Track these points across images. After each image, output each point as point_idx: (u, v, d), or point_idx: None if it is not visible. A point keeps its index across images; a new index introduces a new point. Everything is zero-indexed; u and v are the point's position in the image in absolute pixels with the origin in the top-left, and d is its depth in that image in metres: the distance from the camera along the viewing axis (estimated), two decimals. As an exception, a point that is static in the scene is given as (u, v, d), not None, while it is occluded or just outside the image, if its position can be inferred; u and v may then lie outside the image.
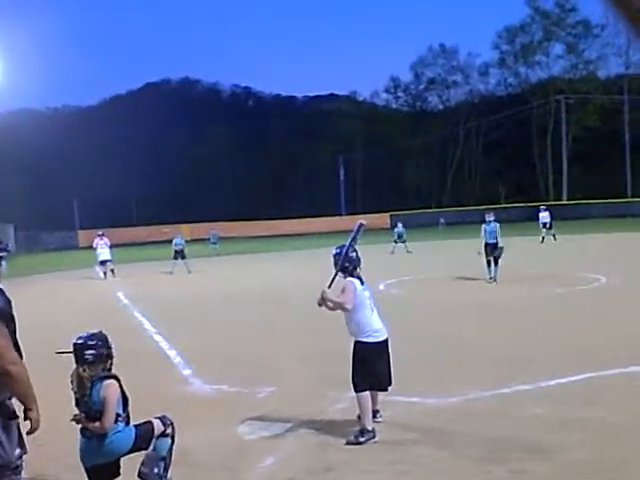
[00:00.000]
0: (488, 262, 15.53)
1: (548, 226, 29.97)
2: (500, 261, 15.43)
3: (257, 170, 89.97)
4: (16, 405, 3.20)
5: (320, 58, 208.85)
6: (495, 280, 15.21)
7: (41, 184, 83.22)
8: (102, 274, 23.63)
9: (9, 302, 3.02)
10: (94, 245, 24.39)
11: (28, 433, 3.11)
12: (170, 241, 25.03)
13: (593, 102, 68.66)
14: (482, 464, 4.63)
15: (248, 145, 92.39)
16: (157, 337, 10.12)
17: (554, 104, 70.43)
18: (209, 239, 37.23)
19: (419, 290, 12.85)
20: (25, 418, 3.08)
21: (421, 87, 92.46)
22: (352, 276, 5.47)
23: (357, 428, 5.26)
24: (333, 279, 5.38)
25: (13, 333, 3.10)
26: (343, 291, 5.37)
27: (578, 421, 5.38)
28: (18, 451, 2.99)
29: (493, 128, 76.71)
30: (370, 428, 5.22)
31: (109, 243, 24.24)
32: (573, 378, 6.64)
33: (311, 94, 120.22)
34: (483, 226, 15.95)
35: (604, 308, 11.23)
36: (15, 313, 3.21)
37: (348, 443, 5.14)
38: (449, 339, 9.22)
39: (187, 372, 7.63)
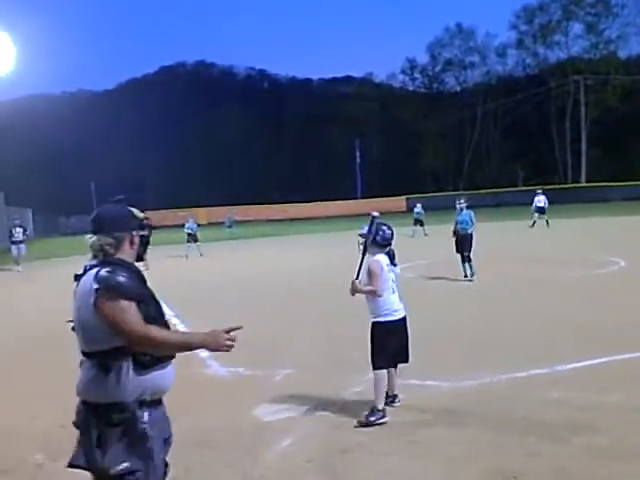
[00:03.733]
0: (462, 258, 13.43)
1: (541, 210, 28.70)
2: (472, 255, 13.31)
3: (272, 153, 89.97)
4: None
5: (336, 40, 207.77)
6: (472, 278, 13.06)
7: (58, 168, 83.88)
8: None
9: (125, 280, 2.66)
10: None
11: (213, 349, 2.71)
12: (184, 225, 25.13)
13: (613, 83, 67.61)
14: (497, 447, 4.64)
15: (263, 128, 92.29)
16: (173, 320, 10.21)
17: (573, 85, 69.46)
18: (224, 222, 37.34)
19: (435, 274, 12.81)
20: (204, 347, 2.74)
21: (438, 68, 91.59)
22: (382, 252, 5.47)
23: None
24: (361, 264, 5.29)
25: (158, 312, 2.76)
26: (369, 274, 5.37)
27: (595, 405, 5.37)
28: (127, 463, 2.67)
29: (511, 110, 75.85)
30: (381, 407, 5.25)
31: None
32: (591, 362, 6.60)
33: (327, 76, 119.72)
34: (457, 217, 13.85)
35: (622, 292, 11.13)
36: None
37: (359, 424, 5.18)
38: (464, 323, 9.21)
39: (204, 354, 7.70)
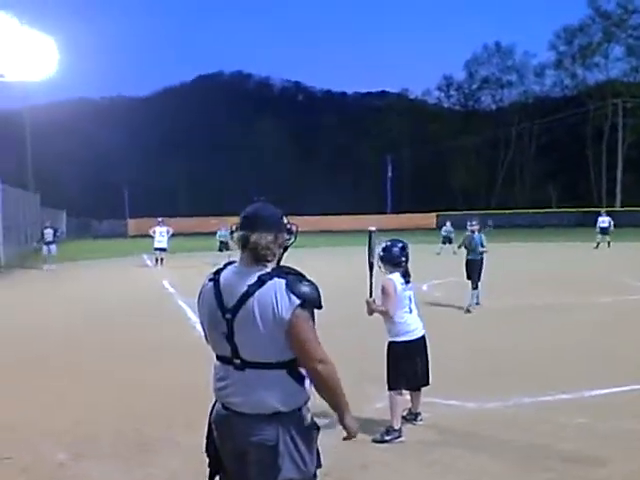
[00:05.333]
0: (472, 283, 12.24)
1: (605, 231, 29.10)
2: (480, 284, 12.23)
3: (305, 165, 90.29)
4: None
5: (372, 55, 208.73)
6: (470, 310, 11.80)
7: (94, 172, 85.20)
8: (154, 260, 24.02)
9: (318, 292, 2.56)
10: (151, 232, 24.70)
11: (345, 439, 2.76)
12: (216, 233, 25.27)
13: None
14: (518, 471, 4.56)
15: (297, 140, 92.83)
16: (200, 327, 10.25)
17: (611, 108, 68.56)
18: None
19: (462, 293, 12.67)
20: (342, 426, 2.71)
21: (474, 86, 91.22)
22: (396, 271, 5.41)
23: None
24: (371, 282, 5.02)
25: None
26: (383, 292, 5.31)
27: (622, 433, 5.24)
28: (316, 464, 2.65)
29: (546, 130, 75.19)
30: (397, 427, 5.21)
31: (171, 231, 24.62)
32: (618, 389, 6.47)
33: (362, 91, 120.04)
34: (468, 240, 12.65)
35: (654, 319, 10.89)
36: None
37: (374, 441, 5.14)
38: (491, 344, 9.09)
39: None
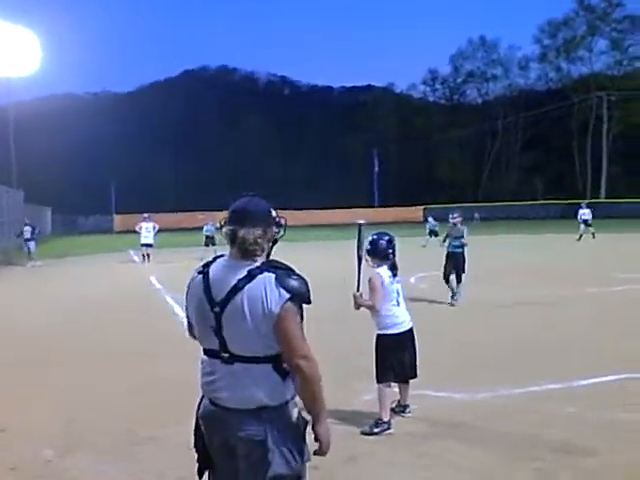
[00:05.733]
0: (447, 279, 12.04)
1: (588, 223, 29.33)
2: (464, 276, 12.05)
3: (291, 159, 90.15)
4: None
5: (358, 49, 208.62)
6: (454, 302, 11.70)
7: (79, 168, 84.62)
8: (141, 256, 23.90)
9: (307, 287, 2.53)
10: (137, 228, 24.54)
11: (315, 453, 2.62)
12: (202, 227, 25.20)
13: (636, 100, 67.03)
14: (508, 461, 4.57)
15: (283, 134, 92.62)
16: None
17: (596, 100, 68.98)
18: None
19: (448, 286, 12.71)
20: (313, 434, 2.60)
21: (459, 80, 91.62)
22: (383, 264, 5.40)
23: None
24: (359, 275, 5.07)
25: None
26: (370, 286, 5.30)
27: (611, 423, 5.26)
28: (305, 458, 2.59)
29: (532, 123, 75.62)
30: (386, 419, 5.20)
31: (157, 227, 24.48)
32: (607, 378, 6.49)
33: (348, 85, 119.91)
34: (449, 232, 12.68)
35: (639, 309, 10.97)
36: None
37: (363, 433, 5.15)
38: (478, 335, 9.11)
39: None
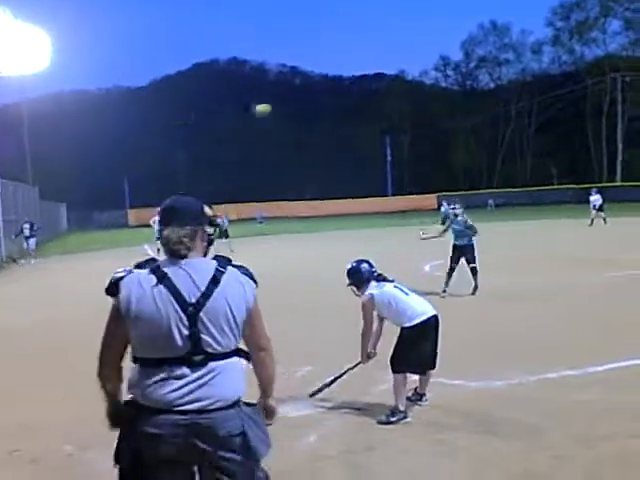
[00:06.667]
0: (451, 271, 11.66)
1: (598, 208, 29.08)
2: (477, 266, 11.62)
3: (303, 150, 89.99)
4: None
5: (368, 37, 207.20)
6: (443, 295, 11.25)
7: (93, 164, 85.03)
8: (155, 250, 23.97)
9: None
10: (151, 222, 24.56)
11: (266, 421, 2.73)
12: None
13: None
14: (524, 449, 4.57)
15: (295, 125, 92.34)
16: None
17: (610, 82, 68.12)
18: (256, 218, 37.57)
19: (465, 273, 12.63)
20: (265, 407, 2.76)
21: (471, 65, 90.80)
22: (370, 284, 5.47)
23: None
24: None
25: None
26: (362, 308, 5.44)
27: (628, 409, 5.24)
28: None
29: (546, 107, 74.77)
30: (402, 408, 5.22)
31: None
32: (624, 364, 6.46)
33: (358, 74, 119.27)
34: (451, 224, 12.25)
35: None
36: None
37: (379, 422, 5.17)
38: (494, 323, 9.09)
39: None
